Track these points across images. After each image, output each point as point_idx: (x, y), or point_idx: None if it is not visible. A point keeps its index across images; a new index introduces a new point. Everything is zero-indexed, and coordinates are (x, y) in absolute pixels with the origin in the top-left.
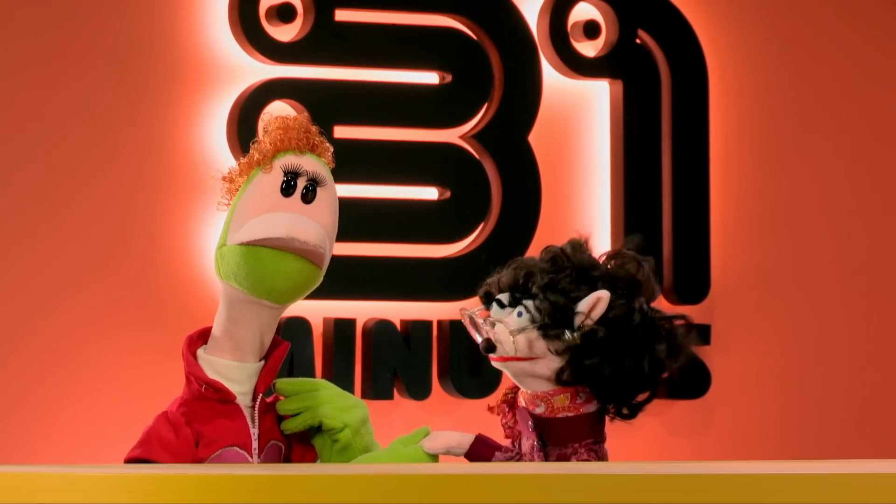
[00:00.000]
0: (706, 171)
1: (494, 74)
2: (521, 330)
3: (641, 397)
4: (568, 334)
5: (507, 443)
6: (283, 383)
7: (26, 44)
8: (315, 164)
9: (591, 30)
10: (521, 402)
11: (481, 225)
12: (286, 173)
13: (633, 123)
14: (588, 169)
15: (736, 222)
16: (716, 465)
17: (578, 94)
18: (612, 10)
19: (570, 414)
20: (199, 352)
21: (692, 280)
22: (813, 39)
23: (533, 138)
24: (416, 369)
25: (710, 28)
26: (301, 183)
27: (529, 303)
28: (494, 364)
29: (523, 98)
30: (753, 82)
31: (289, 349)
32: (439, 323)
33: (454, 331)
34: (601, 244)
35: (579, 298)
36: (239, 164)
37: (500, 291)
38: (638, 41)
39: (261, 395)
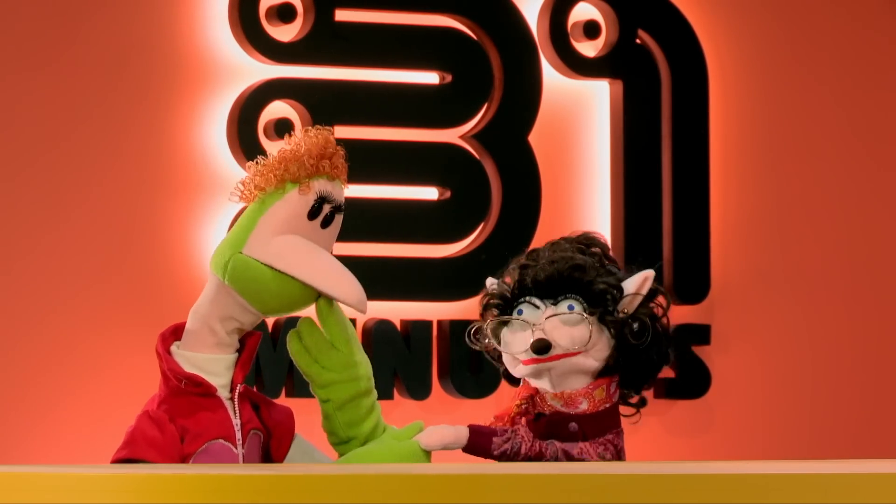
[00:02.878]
0: (706, 171)
1: (494, 74)
2: (578, 322)
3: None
4: (637, 326)
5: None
6: (321, 309)
7: (26, 44)
8: (342, 193)
9: (591, 30)
10: (554, 406)
11: (481, 225)
12: (318, 199)
13: (633, 123)
14: (588, 169)
15: (736, 222)
16: (716, 465)
17: (578, 94)
18: (612, 10)
19: (607, 405)
20: (173, 348)
21: (692, 280)
22: (813, 39)
23: (533, 138)
24: (416, 369)
25: (710, 28)
26: (326, 209)
27: (576, 295)
28: (540, 367)
29: (523, 98)
30: (753, 82)
31: (261, 339)
32: (439, 323)
33: (454, 331)
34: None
35: (619, 279)
36: (267, 164)
37: (525, 293)
38: (638, 41)
39: (238, 385)
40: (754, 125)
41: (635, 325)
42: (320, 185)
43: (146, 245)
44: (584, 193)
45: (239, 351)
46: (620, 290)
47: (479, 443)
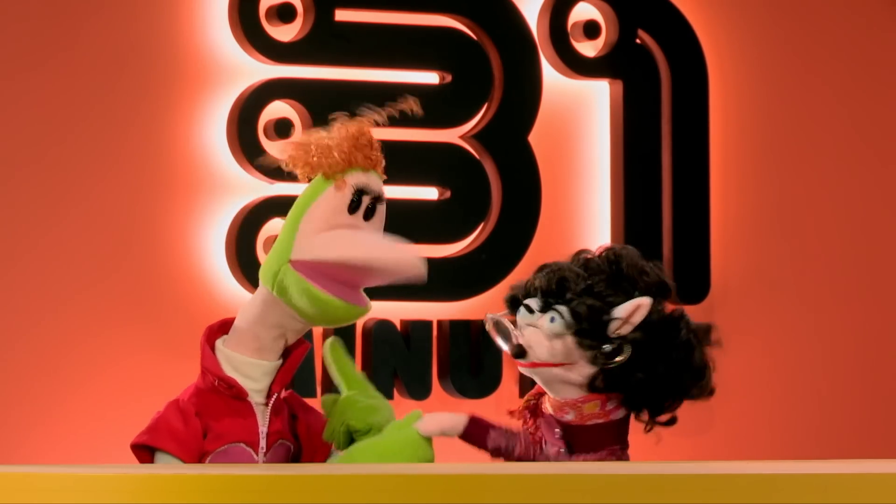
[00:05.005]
0: (706, 171)
1: (494, 74)
2: (558, 335)
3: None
4: (609, 348)
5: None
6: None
7: (26, 44)
8: (379, 183)
9: (591, 30)
10: (548, 409)
11: (481, 225)
12: (356, 192)
13: (633, 123)
14: (588, 169)
15: (736, 222)
16: (716, 465)
17: (578, 94)
18: (612, 10)
19: (599, 421)
20: (218, 343)
21: (692, 280)
22: (813, 39)
23: (533, 138)
24: (416, 369)
25: (710, 28)
26: (366, 201)
27: (563, 308)
28: (523, 370)
29: (523, 98)
30: (753, 82)
31: (308, 350)
32: (439, 323)
33: (454, 331)
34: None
35: (614, 304)
36: (297, 158)
37: (529, 296)
38: (638, 41)
39: (276, 393)
40: (754, 125)
41: (605, 347)
42: (355, 178)
43: (146, 245)
44: (584, 193)
45: (283, 358)
46: (602, 313)
47: (476, 432)
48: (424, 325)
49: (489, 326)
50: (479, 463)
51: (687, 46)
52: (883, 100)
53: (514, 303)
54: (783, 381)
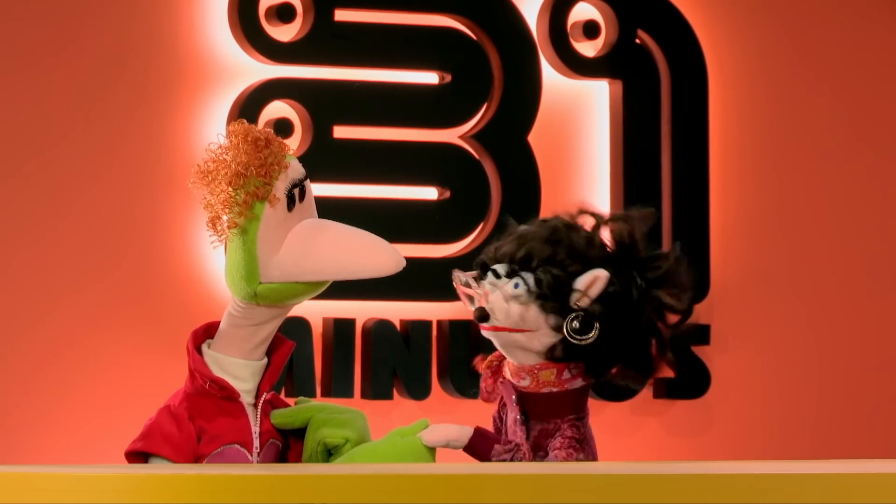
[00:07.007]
0: (706, 171)
1: (494, 74)
2: (519, 300)
3: (615, 371)
4: (577, 325)
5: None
6: (277, 418)
7: (26, 44)
8: (297, 168)
9: (590, 30)
10: (507, 373)
11: (481, 225)
12: (288, 194)
13: (633, 123)
14: (588, 169)
15: (736, 222)
16: (716, 465)
17: (578, 94)
18: (612, 10)
19: (554, 389)
20: (204, 347)
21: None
22: (813, 39)
23: (532, 138)
24: (415, 369)
25: (710, 28)
26: (296, 192)
27: (528, 275)
28: (484, 333)
29: (523, 98)
30: (753, 82)
31: (293, 348)
32: (439, 323)
33: (454, 331)
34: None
35: (576, 274)
36: (223, 199)
37: (497, 262)
38: (638, 41)
39: (264, 393)
40: (754, 125)
41: (575, 323)
42: (281, 184)
43: (146, 245)
44: (584, 193)
45: (268, 356)
46: (564, 284)
47: (481, 445)
48: (424, 325)
49: (458, 285)
50: (478, 463)
51: (686, 46)
52: (883, 99)
53: (483, 267)
54: (782, 381)
